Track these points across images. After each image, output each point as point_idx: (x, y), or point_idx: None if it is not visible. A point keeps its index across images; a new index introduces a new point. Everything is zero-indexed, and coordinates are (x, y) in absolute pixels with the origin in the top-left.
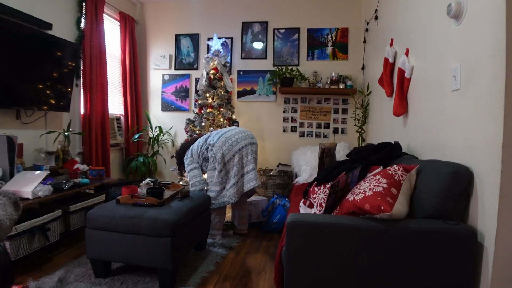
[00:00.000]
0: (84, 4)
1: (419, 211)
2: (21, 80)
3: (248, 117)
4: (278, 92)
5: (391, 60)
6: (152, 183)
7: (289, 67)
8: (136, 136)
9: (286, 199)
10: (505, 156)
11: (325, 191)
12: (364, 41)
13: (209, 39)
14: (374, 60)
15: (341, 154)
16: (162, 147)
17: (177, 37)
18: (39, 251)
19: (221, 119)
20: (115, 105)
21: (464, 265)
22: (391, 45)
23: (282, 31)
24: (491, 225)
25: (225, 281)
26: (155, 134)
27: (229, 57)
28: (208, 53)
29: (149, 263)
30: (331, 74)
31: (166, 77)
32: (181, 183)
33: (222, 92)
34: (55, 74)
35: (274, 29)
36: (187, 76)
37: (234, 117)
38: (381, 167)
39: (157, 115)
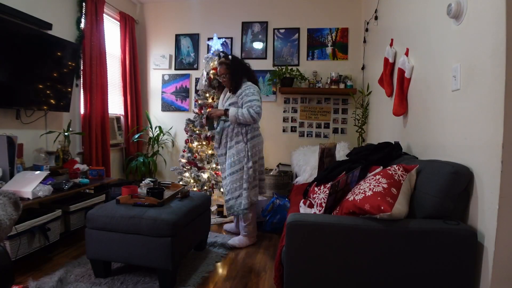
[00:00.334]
0: (84, 4)
1: (419, 211)
2: (21, 80)
3: None
4: (278, 92)
5: (391, 60)
6: (152, 183)
7: (289, 67)
8: (136, 136)
9: (286, 199)
10: (505, 156)
11: (325, 191)
12: (364, 41)
13: (209, 39)
14: (374, 60)
15: (341, 154)
16: (162, 147)
17: (177, 37)
18: (39, 251)
19: None
20: (115, 105)
21: (464, 265)
22: (391, 45)
23: (282, 31)
24: (491, 225)
25: (225, 281)
26: (155, 134)
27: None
28: (208, 53)
29: (149, 263)
30: (331, 74)
31: (166, 77)
32: (181, 183)
33: None
34: (55, 74)
35: (274, 29)
36: (187, 76)
37: None
38: (381, 167)
39: (157, 115)
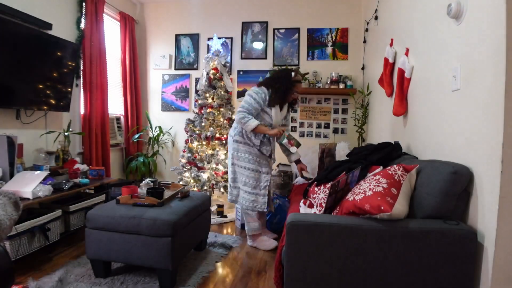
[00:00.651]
0: (84, 4)
1: (419, 211)
2: (21, 80)
3: None
4: None
5: (391, 60)
6: (152, 183)
7: (290, 67)
8: (136, 136)
9: (286, 199)
10: (505, 156)
11: (325, 191)
12: (364, 41)
13: (209, 39)
14: (374, 60)
15: (341, 154)
16: (162, 147)
17: (177, 37)
18: (39, 251)
19: (221, 119)
20: (115, 105)
21: (464, 265)
22: (391, 45)
23: (282, 31)
24: (491, 225)
25: (225, 281)
26: (155, 134)
27: (229, 57)
28: (208, 53)
29: (149, 263)
30: (331, 74)
31: (166, 77)
32: (181, 183)
33: (222, 92)
34: (55, 74)
35: (274, 29)
36: (187, 76)
37: (234, 117)
38: (381, 167)
39: (157, 115)
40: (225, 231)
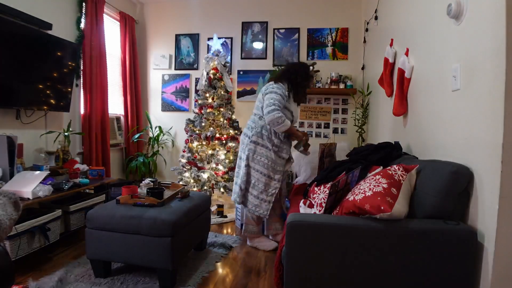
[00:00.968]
0: (84, 4)
1: (419, 211)
2: (21, 80)
3: (248, 117)
4: None
5: (391, 60)
6: (152, 183)
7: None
8: (136, 136)
9: (286, 199)
10: (505, 156)
11: (325, 191)
12: (364, 41)
13: (209, 39)
14: (374, 60)
15: (341, 154)
16: (162, 147)
17: (177, 37)
18: (39, 251)
19: (221, 119)
20: (115, 105)
21: (464, 265)
22: (391, 45)
23: (282, 31)
24: (491, 225)
25: (225, 281)
26: (155, 134)
27: (229, 57)
28: (208, 53)
29: (149, 263)
30: (331, 74)
31: (166, 77)
32: (181, 183)
33: (222, 92)
34: (55, 74)
35: (274, 29)
36: (187, 76)
37: (234, 117)
38: (381, 167)
39: (157, 115)
40: (225, 231)
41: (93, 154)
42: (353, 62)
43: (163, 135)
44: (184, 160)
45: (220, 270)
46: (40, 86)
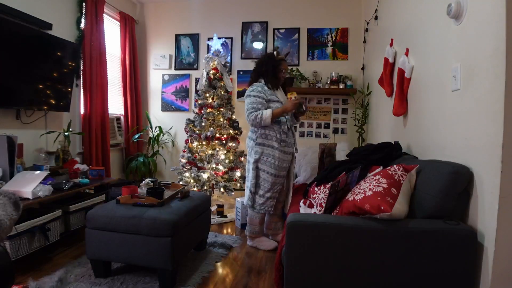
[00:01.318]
0: (84, 4)
1: (419, 211)
2: (21, 80)
3: None
4: None
5: (391, 60)
6: (152, 183)
7: (289, 67)
8: (136, 136)
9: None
10: (505, 156)
11: (325, 191)
12: (364, 41)
13: (209, 39)
14: (374, 60)
15: (341, 154)
16: (162, 147)
17: (177, 37)
18: (39, 251)
19: (221, 119)
20: (115, 105)
21: (464, 265)
22: (391, 45)
23: (282, 31)
24: (491, 225)
25: (225, 281)
26: (155, 134)
27: (229, 57)
28: (208, 53)
29: (149, 263)
30: (331, 74)
31: (166, 77)
32: (181, 183)
33: (222, 92)
34: (55, 74)
35: (274, 29)
36: (187, 76)
37: (234, 117)
38: (381, 167)
39: (157, 115)
40: (225, 231)
41: (93, 154)
42: (353, 62)
43: (163, 135)
44: (184, 160)
45: (220, 270)
46: (40, 86)
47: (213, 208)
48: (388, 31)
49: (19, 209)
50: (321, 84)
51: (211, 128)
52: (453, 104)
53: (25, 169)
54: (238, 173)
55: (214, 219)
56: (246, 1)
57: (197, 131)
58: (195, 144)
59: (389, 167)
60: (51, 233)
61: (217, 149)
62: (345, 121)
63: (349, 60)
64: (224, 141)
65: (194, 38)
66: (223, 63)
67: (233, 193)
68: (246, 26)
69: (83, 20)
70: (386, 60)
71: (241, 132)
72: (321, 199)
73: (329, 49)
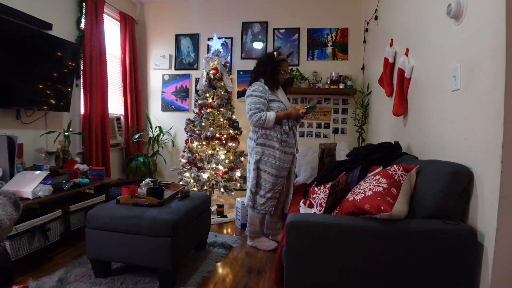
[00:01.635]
0: (84, 4)
1: (419, 211)
2: (21, 80)
3: None
4: None
5: (391, 60)
6: (152, 183)
7: (289, 67)
8: (136, 136)
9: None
10: (505, 156)
11: (325, 191)
12: (364, 41)
13: (209, 39)
14: (374, 60)
15: (341, 154)
16: (162, 147)
17: (177, 37)
18: (39, 251)
19: (221, 119)
20: (115, 105)
21: (464, 265)
22: (391, 45)
23: (282, 31)
24: (491, 225)
25: (225, 281)
26: (155, 134)
27: (229, 57)
28: (208, 53)
29: (149, 263)
30: (331, 74)
31: (166, 77)
32: (181, 183)
33: (222, 92)
34: (55, 74)
35: (274, 29)
36: (187, 76)
37: (234, 117)
38: (381, 167)
39: (157, 115)
40: (225, 231)
41: (93, 154)
42: (353, 62)
43: (163, 135)
44: (184, 160)
45: (220, 270)
46: (40, 86)
47: (213, 208)
48: (388, 31)
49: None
50: (321, 84)
51: (211, 128)
52: (453, 104)
53: (25, 169)
54: (238, 173)
55: (214, 219)
56: (246, 1)
57: (197, 131)
58: (195, 144)
59: (389, 167)
60: (51, 233)
61: (217, 149)
62: (345, 121)
63: (349, 60)
64: (224, 141)
65: (194, 38)
66: (223, 63)
67: (233, 193)
68: (246, 26)
69: (83, 20)
70: (386, 60)
71: (241, 132)
72: (321, 199)
73: (329, 49)
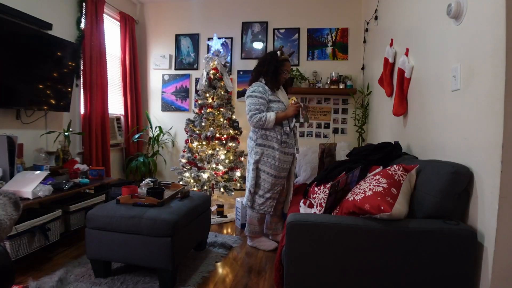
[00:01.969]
0: (84, 4)
1: (419, 211)
2: (21, 80)
3: None
4: None
5: (391, 60)
6: (152, 183)
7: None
8: (136, 136)
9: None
10: (505, 156)
11: (325, 191)
12: (364, 41)
13: (209, 39)
14: (374, 60)
15: (341, 154)
16: (162, 147)
17: (177, 37)
18: (39, 251)
19: (221, 119)
20: (115, 105)
21: (464, 265)
22: (391, 45)
23: (282, 31)
24: (491, 225)
25: (225, 281)
26: (155, 134)
27: (229, 57)
28: (208, 53)
29: (149, 263)
30: (331, 74)
31: (166, 77)
32: (181, 183)
33: (222, 92)
34: (55, 74)
35: (274, 29)
36: (187, 76)
37: (234, 117)
38: (381, 167)
39: (157, 115)
40: (225, 231)
41: (93, 154)
42: (353, 62)
43: (163, 135)
44: (184, 160)
45: (220, 270)
46: (40, 86)
47: (213, 208)
48: (388, 31)
49: (19, 209)
50: (321, 84)
51: (211, 128)
52: (453, 104)
53: (25, 169)
54: (238, 173)
55: (214, 219)
56: (246, 1)
57: (197, 131)
58: (195, 144)
59: (389, 167)
60: (51, 233)
61: (217, 149)
62: (345, 121)
63: (349, 60)
64: (224, 141)
65: (194, 38)
66: (223, 63)
67: (233, 193)
68: (246, 26)
69: (83, 20)
70: (386, 60)
71: (241, 132)
72: (321, 199)
73: (329, 49)
